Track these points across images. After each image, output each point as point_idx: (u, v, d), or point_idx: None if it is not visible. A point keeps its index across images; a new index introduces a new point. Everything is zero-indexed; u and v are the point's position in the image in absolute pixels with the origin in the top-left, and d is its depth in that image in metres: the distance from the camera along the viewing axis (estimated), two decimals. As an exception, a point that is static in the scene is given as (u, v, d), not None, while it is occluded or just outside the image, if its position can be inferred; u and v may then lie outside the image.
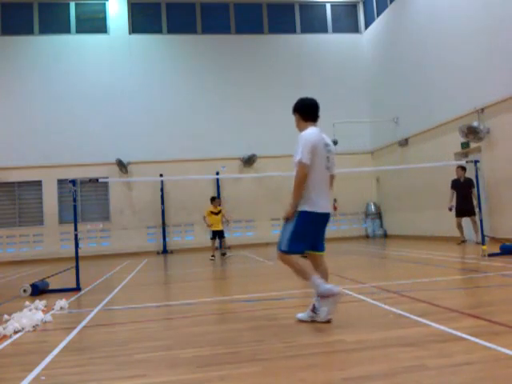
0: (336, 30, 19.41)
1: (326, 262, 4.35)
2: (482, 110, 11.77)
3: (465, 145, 12.62)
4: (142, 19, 18.36)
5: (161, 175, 15.79)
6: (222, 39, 18.56)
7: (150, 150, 17.26)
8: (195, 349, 3.57)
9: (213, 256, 12.25)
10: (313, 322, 4.16)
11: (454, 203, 11.63)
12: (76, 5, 17.92)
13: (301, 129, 4.33)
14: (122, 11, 18.00)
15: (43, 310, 5.45)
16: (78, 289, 7.35)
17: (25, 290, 6.91)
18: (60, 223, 16.75)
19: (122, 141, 17.16)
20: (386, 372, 2.79)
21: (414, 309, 4.42)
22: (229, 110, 17.93)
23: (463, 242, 11.79)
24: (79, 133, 17.03)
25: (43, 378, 3.09)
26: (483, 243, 8.65)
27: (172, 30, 18.44)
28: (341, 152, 16.74)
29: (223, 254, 12.88)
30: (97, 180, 8.81)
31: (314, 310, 4.18)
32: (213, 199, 12.93)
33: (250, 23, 18.98)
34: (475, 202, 10.98)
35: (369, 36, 18.91)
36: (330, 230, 19.36)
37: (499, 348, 3.07)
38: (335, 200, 17.99)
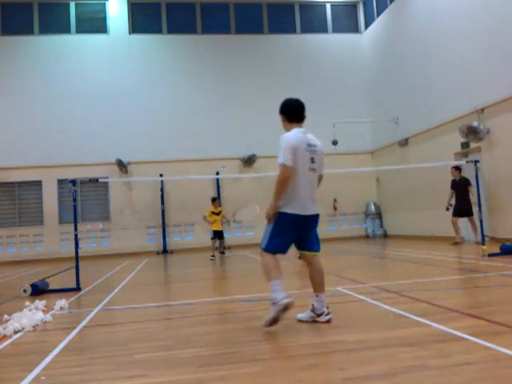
0: (336, 29, 19.41)
1: (320, 262, 4.29)
2: (482, 110, 11.77)
3: (465, 145, 12.62)
4: (141, 19, 18.36)
5: (161, 175, 15.79)
6: (222, 39, 18.56)
7: (149, 150, 17.26)
8: (195, 349, 3.57)
9: (213, 256, 12.31)
10: (313, 322, 4.16)
11: (452, 203, 11.67)
12: (76, 5, 17.92)
13: (286, 130, 4.28)
14: (121, 11, 18.00)
15: (43, 310, 5.45)
16: (78, 289, 7.35)
17: (25, 290, 6.91)
18: (60, 223, 16.75)
19: (122, 141, 17.16)
20: (386, 372, 2.79)
21: (414, 309, 4.42)
22: (229, 110, 17.93)
23: (457, 243, 11.54)
24: (79, 133, 17.04)
25: (43, 377, 3.09)
26: (483, 243, 8.64)
27: (172, 30, 18.44)
28: (341, 152, 16.82)
29: (222, 253, 13.09)
30: (97, 180, 8.82)
31: (313, 310, 4.19)
32: (213, 200, 13.05)
33: (249, 23, 18.99)
34: (474, 200, 10.92)
35: (369, 36, 18.91)
36: (330, 230, 19.43)
37: (499, 348, 3.07)
38: (335, 200, 18.01)
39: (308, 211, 4.11)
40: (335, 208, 18.09)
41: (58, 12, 17.87)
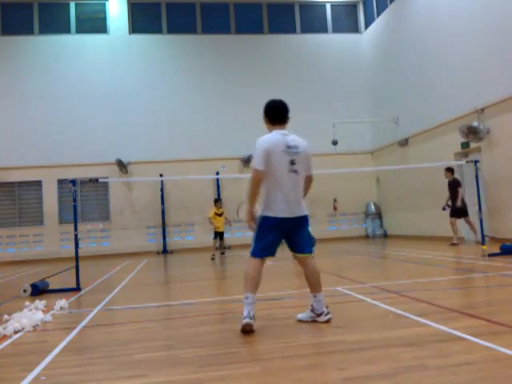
0: (336, 29, 19.41)
1: (314, 262, 4.27)
2: (482, 110, 11.77)
3: (465, 145, 12.62)
4: (142, 19, 18.36)
5: (161, 175, 15.79)
6: (222, 39, 18.56)
7: (149, 150, 17.26)
8: (195, 349, 3.57)
9: (213, 255, 12.42)
10: (313, 321, 4.16)
11: (449, 204, 11.78)
12: (76, 5, 17.92)
13: (269, 131, 4.25)
14: (121, 11, 18.00)
15: (43, 310, 5.45)
16: (77, 289, 7.34)
17: (25, 290, 6.91)
18: (60, 223, 16.75)
19: (121, 141, 17.15)
20: (386, 372, 2.79)
21: (414, 309, 4.42)
22: (229, 110, 17.91)
23: (454, 244, 11.50)
24: (79, 133, 17.03)
25: (43, 377, 3.09)
26: (483, 243, 8.64)
27: (172, 30, 18.43)
28: (341, 152, 16.83)
29: (222, 253, 13.31)
30: (97, 180, 8.82)
31: (313, 310, 4.19)
32: (216, 201, 13.34)
33: (249, 23, 18.98)
34: (458, 204, 11.26)
35: (369, 36, 18.90)
36: (330, 230, 19.45)
37: (499, 348, 3.07)
38: (335, 200, 18.01)
39: (291, 213, 4.04)
40: (335, 208, 18.09)
41: (57, 12, 17.86)
